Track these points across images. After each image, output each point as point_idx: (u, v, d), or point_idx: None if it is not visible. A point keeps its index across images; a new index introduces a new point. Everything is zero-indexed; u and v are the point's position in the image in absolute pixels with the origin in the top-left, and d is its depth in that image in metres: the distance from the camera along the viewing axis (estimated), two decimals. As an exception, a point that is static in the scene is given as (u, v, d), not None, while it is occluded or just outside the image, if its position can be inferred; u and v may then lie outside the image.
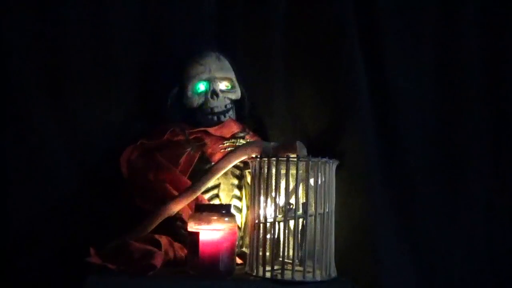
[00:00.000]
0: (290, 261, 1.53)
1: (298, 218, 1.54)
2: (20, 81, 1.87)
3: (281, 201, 1.56)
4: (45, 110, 1.89)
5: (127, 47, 1.96)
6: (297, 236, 1.54)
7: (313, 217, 1.54)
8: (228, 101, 1.86)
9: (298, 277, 1.51)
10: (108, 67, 1.95)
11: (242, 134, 1.83)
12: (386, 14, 1.97)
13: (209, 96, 1.84)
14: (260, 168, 1.58)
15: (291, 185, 1.56)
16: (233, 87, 1.88)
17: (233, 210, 1.63)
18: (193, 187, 1.67)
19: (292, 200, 1.55)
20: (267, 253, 1.55)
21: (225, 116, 1.84)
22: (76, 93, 1.92)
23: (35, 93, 1.88)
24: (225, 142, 1.80)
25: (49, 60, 1.90)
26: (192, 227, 1.54)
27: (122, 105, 1.96)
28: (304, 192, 1.55)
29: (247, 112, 1.92)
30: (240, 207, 1.76)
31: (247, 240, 1.67)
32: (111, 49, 1.96)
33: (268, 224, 1.55)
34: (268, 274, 1.53)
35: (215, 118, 1.84)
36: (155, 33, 2.00)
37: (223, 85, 1.87)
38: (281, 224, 1.55)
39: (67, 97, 1.91)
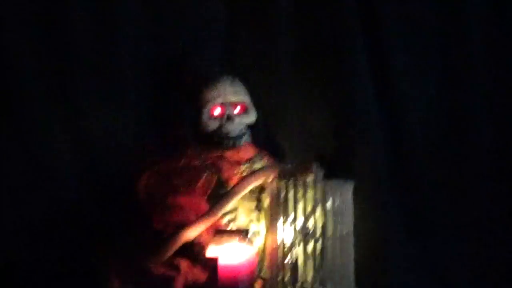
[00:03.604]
0: (310, 284, 1.53)
1: (316, 241, 1.54)
2: (29, 88, 1.90)
3: (299, 224, 1.56)
4: (58, 123, 1.91)
5: (143, 57, 1.98)
6: (316, 259, 1.54)
7: (331, 239, 1.54)
8: (243, 126, 1.87)
9: (317, 300, 1.52)
10: (120, 78, 1.97)
11: (258, 158, 1.84)
12: (393, 27, 1.98)
13: (224, 120, 1.84)
14: (278, 191, 1.58)
15: (309, 208, 1.56)
16: (247, 110, 1.89)
17: (251, 234, 1.64)
18: (210, 212, 1.67)
19: (310, 223, 1.55)
20: (286, 277, 1.55)
21: (240, 141, 1.85)
22: (88, 104, 1.94)
23: (46, 101, 1.91)
24: (241, 166, 1.81)
25: (61, 73, 1.92)
26: (211, 252, 1.54)
27: (133, 116, 1.97)
28: (322, 214, 1.55)
29: (262, 136, 1.93)
30: (258, 231, 1.76)
31: (265, 264, 1.67)
32: (123, 60, 1.98)
33: (286, 248, 1.56)
34: (287, 297, 1.54)
35: (231, 142, 1.84)
36: (170, 44, 2.02)
37: (237, 109, 1.87)
38: (300, 247, 1.55)
39: (78, 108, 1.93)
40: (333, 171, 1.64)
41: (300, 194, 1.55)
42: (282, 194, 1.57)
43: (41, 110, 1.90)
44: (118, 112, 1.96)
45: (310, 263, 1.55)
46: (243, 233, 1.58)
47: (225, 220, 1.73)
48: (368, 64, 1.96)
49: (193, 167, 1.81)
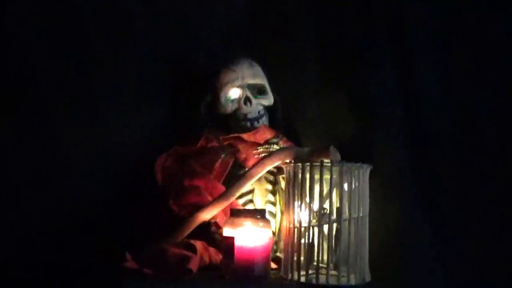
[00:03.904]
0: (325, 266, 1.53)
1: (332, 222, 1.54)
2: (53, 90, 1.92)
3: (315, 206, 1.56)
4: (78, 120, 1.92)
5: (159, 54, 1.99)
6: (331, 241, 1.54)
7: (347, 222, 1.54)
8: (261, 107, 1.88)
9: (332, 281, 1.52)
10: (140, 75, 1.98)
11: (275, 140, 1.85)
12: (416, 21, 1.97)
13: (242, 102, 1.85)
14: (294, 173, 1.59)
15: (325, 190, 1.56)
16: (265, 93, 1.89)
17: (267, 215, 1.64)
18: (227, 193, 1.68)
19: (326, 205, 1.56)
20: (302, 258, 1.55)
21: (258, 122, 1.85)
22: (109, 101, 1.95)
23: (68, 102, 1.92)
24: (258, 148, 1.81)
25: (82, 70, 1.93)
26: (227, 232, 1.55)
27: (155, 113, 1.98)
28: (338, 196, 1.55)
29: (280, 118, 1.93)
30: (274, 212, 1.77)
31: (281, 245, 1.67)
32: (143, 58, 1.99)
33: (302, 229, 1.56)
34: (302, 279, 1.54)
35: (249, 124, 1.85)
36: (187, 40, 2.02)
37: (255, 91, 1.88)
38: (315, 228, 1.56)
39: (99, 105, 1.94)
40: (350, 155, 1.64)
41: (316, 176, 1.56)
42: (299, 176, 1.57)
43: (55, 109, 1.92)
44: (132, 110, 1.97)
45: (326, 245, 1.55)
46: (259, 213, 1.58)
47: (241, 201, 1.75)
48: (389, 53, 1.95)
49: (210, 149, 1.82)
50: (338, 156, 1.62)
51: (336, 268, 1.54)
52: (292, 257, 1.56)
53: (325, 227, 1.55)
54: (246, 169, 1.73)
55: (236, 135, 1.83)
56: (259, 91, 1.89)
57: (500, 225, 1.92)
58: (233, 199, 1.69)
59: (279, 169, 1.74)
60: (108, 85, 1.96)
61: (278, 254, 1.71)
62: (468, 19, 1.98)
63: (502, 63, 1.96)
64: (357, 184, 1.57)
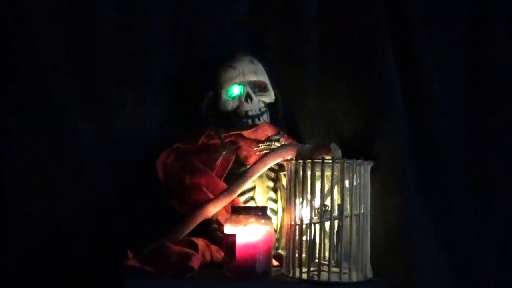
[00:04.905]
0: (326, 263, 1.53)
1: (334, 219, 1.54)
2: (56, 87, 1.91)
3: (317, 203, 1.56)
4: (82, 116, 1.92)
5: (162, 52, 1.99)
6: (333, 238, 1.54)
7: (348, 219, 1.54)
8: (262, 104, 1.87)
9: (334, 278, 1.52)
10: (143, 73, 1.97)
11: (276, 137, 1.85)
12: (418, 16, 1.97)
13: (243, 99, 1.85)
14: (296, 170, 1.59)
15: (326, 186, 1.56)
16: (267, 90, 1.89)
17: (268, 213, 1.64)
18: (228, 190, 1.68)
19: (328, 202, 1.56)
20: (303, 255, 1.55)
21: (259, 119, 1.85)
22: (111, 98, 1.95)
23: (72, 98, 1.92)
24: (260, 145, 1.81)
25: (84, 67, 1.93)
26: (228, 229, 1.55)
27: (157, 110, 1.98)
28: (339, 193, 1.55)
29: (281, 115, 1.93)
30: (276, 210, 1.77)
31: (283, 242, 1.67)
32: (145, 54, 1.98)
33: (304, 226, 1.56)
34: (304, 276, 1.54)
35: (250, 121, 1.85)
36: (189, 38, 2.02)
37: (257, 88, 1.88)
38: (317, 225, 1.56)
39: (102, 102, 1.94)
40: (352, 152, 1.64)
41: (318, 173, 1.56)
42: (300, 173, 1.57)
43: (58, 106, 1.92)
44: (134, 108, 1.97)
45: (327, 242, 1.55)
46: (261, 211, 1.58)
47: (243, 198, 1.75)
48: (391, 46, 1.94)
49: (211, 147, 1.82)
50: (339, 153, 1.62)
51: (337, 265, 1.54)
52: (294, 254, 1.56)
53: (327, 224, 1.55)
54: (248, 166, 1.73)
55: (237, 132, 1.83)
56: (260, 88, 1.88)
57: (504, 219, 1.92)
58: (234, 196, 1.69)
59: (280, 166, 1.74)
60: (111, 82, 1.95)
61: (279, 251, 1.71)
62: (470, 13, 1.98)
63: (505, 57, 1.96)
64: (358, 180, 1.57)
